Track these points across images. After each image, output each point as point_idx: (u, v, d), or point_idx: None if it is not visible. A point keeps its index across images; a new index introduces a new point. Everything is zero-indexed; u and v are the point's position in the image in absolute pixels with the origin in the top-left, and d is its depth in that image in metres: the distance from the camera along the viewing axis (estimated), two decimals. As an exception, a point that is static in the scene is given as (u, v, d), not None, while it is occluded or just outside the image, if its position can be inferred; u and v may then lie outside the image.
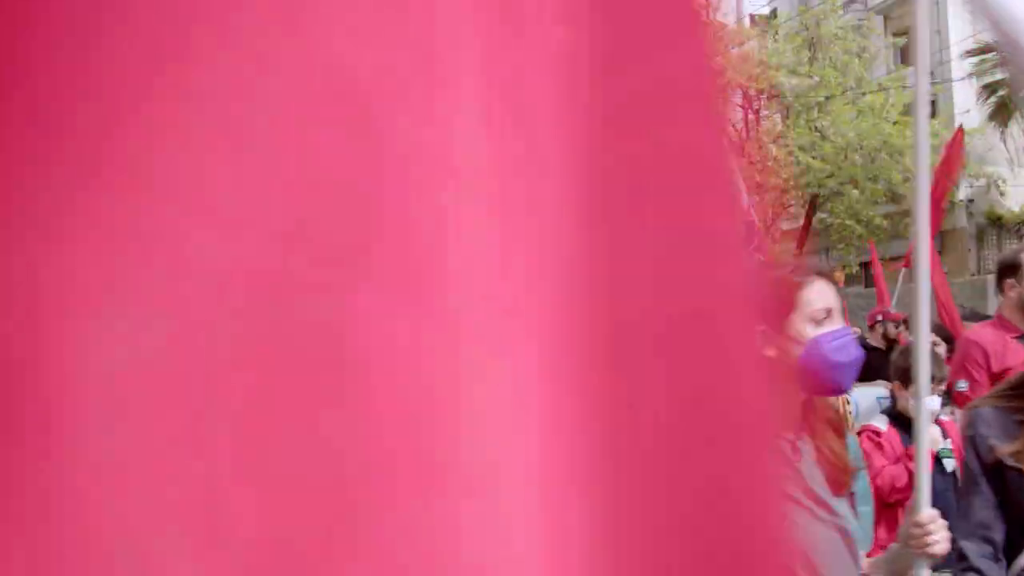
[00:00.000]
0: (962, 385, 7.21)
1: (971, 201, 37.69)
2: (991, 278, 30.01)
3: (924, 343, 3.62)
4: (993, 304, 29.38)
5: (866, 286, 33.27)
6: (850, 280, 35.42)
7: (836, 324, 3.77)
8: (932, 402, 8.17)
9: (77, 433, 0.63)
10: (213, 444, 0.65)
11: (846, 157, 32.47)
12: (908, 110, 34.15)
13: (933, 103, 37.97)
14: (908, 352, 6.26)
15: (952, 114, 37.04)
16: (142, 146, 0.66)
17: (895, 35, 38.77)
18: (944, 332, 9.82)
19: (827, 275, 6.59)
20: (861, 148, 32.52)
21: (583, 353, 0.82)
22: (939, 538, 3.60)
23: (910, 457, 6.43)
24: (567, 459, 0.79)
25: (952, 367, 7.63)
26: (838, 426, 3.90)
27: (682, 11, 0.92)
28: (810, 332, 3.78)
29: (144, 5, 0.67)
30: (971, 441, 4.03)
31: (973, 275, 34.98)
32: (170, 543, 0.63)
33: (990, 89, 35.12)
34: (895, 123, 32.92)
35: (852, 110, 33.01)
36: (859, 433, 6.88)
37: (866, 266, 34.80)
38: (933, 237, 10.09)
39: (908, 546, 3.66)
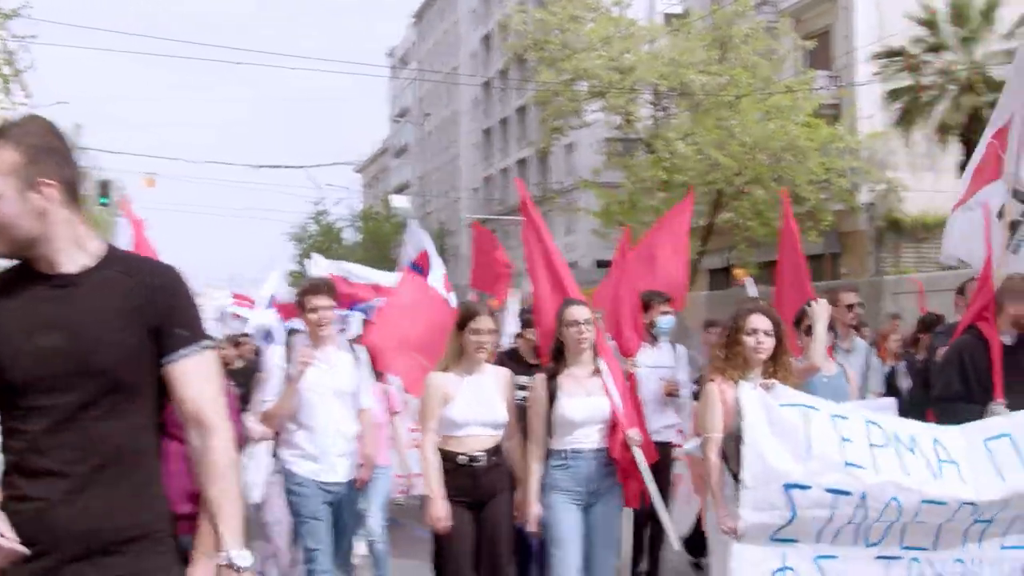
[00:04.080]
0: None
1: (872, 205, 38.34)
2: (888, 279, 30.45)
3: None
4: (889, 304, 29.94)
5: (766, 285, 33.71)
6: (753, 280, 35.84)
7: None
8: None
9: None
10: None
11: (753, 157, 32.81)
12: (815, 112, 34.65)
13: (837, 106, 38.56)
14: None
15: (856, 118, 37.63)
16: None
17: (804, 38, 39.28)
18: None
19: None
20: (767, 148, 32.86)
21: None
22: None
23: None
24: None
25: None
26: None
27: None
28: None
29: None
30: None
31: (872, 276, 35.56)
32: None
33: (894, 94, 35.69)
34: (802, 125, 33.33)
35: (760, 110, 33.36)
36: None
37: (765, 266, 35.26)
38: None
39: None
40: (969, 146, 34.87)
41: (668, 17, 48.48)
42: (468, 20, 78.33)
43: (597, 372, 7.58)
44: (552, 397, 7.43)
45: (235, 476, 3.56)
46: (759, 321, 6.90)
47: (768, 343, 6.87)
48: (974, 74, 34.89)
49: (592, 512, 7.45)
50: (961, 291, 10.11)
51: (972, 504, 6.42)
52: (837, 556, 6.40)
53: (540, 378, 7.57)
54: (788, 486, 6.20)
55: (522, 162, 67.37)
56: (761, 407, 6.34)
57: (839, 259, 39.83)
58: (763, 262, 35.27)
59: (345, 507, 7.98)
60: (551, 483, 7.41)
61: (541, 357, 8.37)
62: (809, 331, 7.99)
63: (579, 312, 7.53)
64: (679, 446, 9.45)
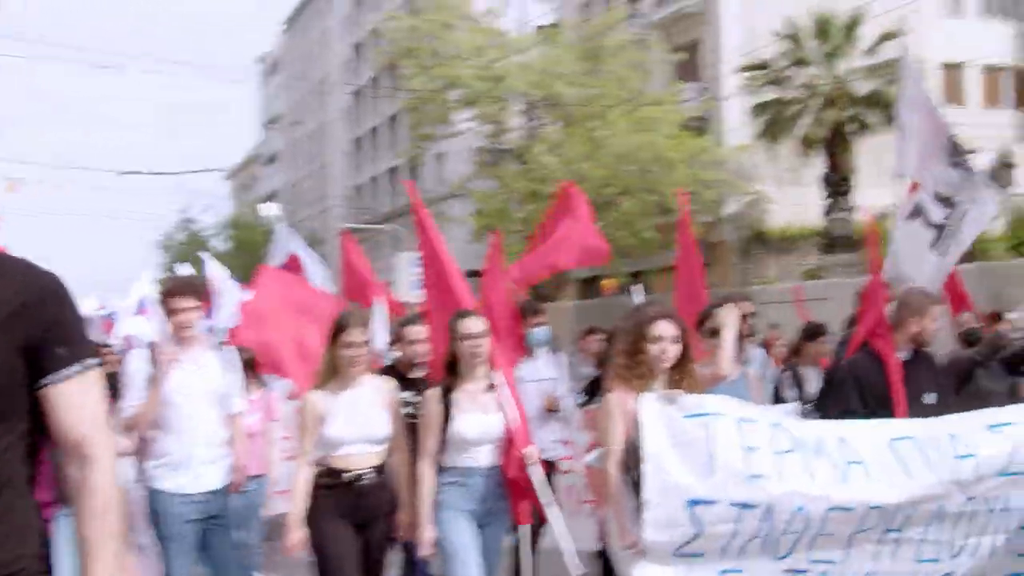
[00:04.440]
0: None
1: (738, 216, 38.93)
2: (753, 290, 30.99)
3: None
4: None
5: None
6: (621, 289, 36.13)
7: None
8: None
9: None
10: None
11: (621, 168, 33.09)
12: (683, 124, 35.10)
13: (704, 119, 39.12)
14: None
15: (723, 130, 38.21)
16: None
17: (673, 51, 39.78)
18: None
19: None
20: (636, 160, 33.16)
21: None
22: None
23: None
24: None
25: None
26: None
27: None
28: None
29: None
30: None
31: (737, 287, 36.09)
32: None
33: (759, 108, 36.29)
34: (670, 137, 33.71)
35: (629, 122, 33.67)
36: None
37: (636, 275, 35.60)
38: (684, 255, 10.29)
39: None
40: (832, 159, 35.69)
41: (540, 28, 48.76)
42: (340, 28, 77.88)
43: (492, 387, 7.25)
44: (446, 413, 7.07)
45: (115, 517, 3.16)
46: (665, 328, 6.46)
47: (673, 351, 6.45)
48: (836, 89, 35.65)
49: (484, 533, 7.16)
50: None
51: (879, 508, 6.23)
52: (743, 570, 6.17)
53: (434, 393, 7.18)
54: (692, 502, 5.98)
55: (393, 171, 67.16)
56: (662, 420, 6.09)
57: (705, 269, 40.27)
58: (632, 272, 35.61)
59: (216, 519, 7.49)
60: (444, 502, 7.06)
61: (432, 370, 7.96)
62: (712, 334, 7.60)
63: (473, 324, 7.19)
64: (568, 459, 9.32)
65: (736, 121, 37.95)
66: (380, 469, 7.06)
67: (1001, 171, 37.98)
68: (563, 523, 7.60)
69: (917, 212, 9.36)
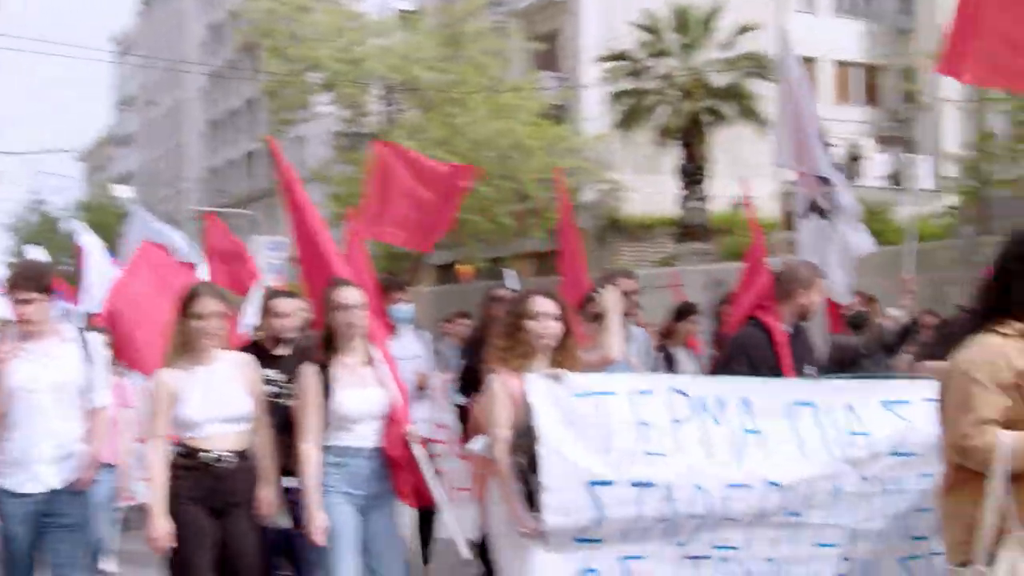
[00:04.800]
0: None
1: (595, 204, 39.27)
2: (609, 278, 31.16)
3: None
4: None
5: (491, 279, 34.09)
6: (479, 275, 36.21)
7: None
8: None
9: None
10: None
11: (480, 154, 33.10)
12: (542, 112, 35.25)
13: (563, 107, 39.36)
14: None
15: (581, 120, 38.48)
16: None
17: (534, 39, 39.93)
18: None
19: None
20: (494, 146, 33.21)
21: None
22: None
23: None
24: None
25: None
26: None
27: None
28: None
29: None
30: None
31: (595, 273, 36.39)
32: None
33: (617, 96, 36.62)
34: (529, 124, 33.83)
35: (488, 108, 33.70)
36: None
37: (494, 261, 35.71)
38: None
39: None
40: (688, 149, 36.21)
41: (401, 12, 48.53)
42: (196, 8, 76.54)
43: (370, 361, 6.79)
44: (326, 389, 6.56)
45: None
46: (544, 304, 6.23)
47: (554, 328, 6.21)
48: (693, 80, 36.15)
49: (372, 518, 6.65)
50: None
51: (778, 486, 6.11)
52: (644, 556, 5.99)
53: (311, 368, 6.64)
54: (592, 483, 5.76)
55: (251, 155, 66.33)
56: (552, 400, 5.87)
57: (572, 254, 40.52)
58: (490, 258, 35.71)
59: (56, 519, 6.78)
60: (326, 484, 6.55)
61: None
62: (595, 318, 7.26)
63: (349, 295, 6.69)
64: (440, 442, 9.04)
65: (594, 110, 38.22)
66: (241, 451, 6.57)
67: (850, 165, 38.98)
68: (449, 506, 7.17)
69: (812, 207, 9.37)
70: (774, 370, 7.12)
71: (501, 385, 6.10)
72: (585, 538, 5.84)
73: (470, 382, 8.88)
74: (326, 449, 6.59)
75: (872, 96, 47.71)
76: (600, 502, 5.78)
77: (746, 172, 40.80)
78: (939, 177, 37.03)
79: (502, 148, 33.22)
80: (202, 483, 6.44)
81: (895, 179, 43.77)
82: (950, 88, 29.32)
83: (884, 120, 47.27)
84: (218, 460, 6.49)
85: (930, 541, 6.45)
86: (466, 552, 6.90)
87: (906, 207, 41.18)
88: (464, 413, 8.96)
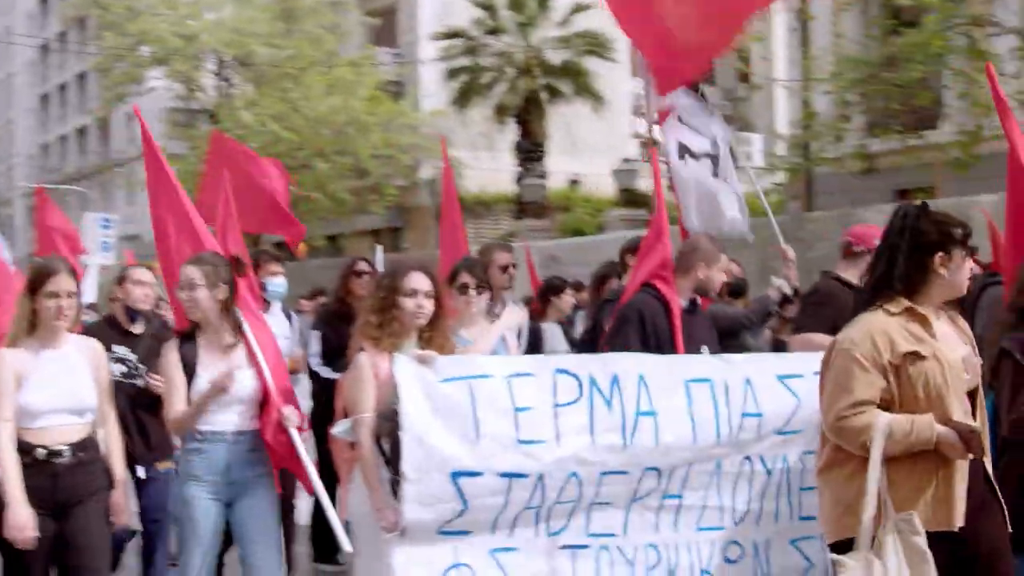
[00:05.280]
0: None
1: (433, 181, 39.25)
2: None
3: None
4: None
5: (330, 256, 33.87)
6: (316, 252, 35.92)
7: None
8: None
9: None
10: None
11: (316, 131, 32.80)
12: (379, 88, 35.06)
13: (400, 83, 39.21)
14: None
15: (419, 96, 38.40)
16: None
17: (371, 15, 39.65)
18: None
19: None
20: (331, 122, 32.94)
21: None
22: None
23: None
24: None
25: None
26: None
27: None
28: None
29: None
30: None
31: (434, 250, 36.44)
32: None
33: (454, 73, 36.63)
34: (365, 100, 33.62)
35: (324, 84, 33.39)
36: None
37: (332, 239, 35.46)
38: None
39: None
40: (525, 127, 36.41)
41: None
42: (23, -23, 74.32)
43: (243, 339, 6.34)
44: (189, 369, 6.16)
45: None
46: (419, 281, 5.92)
47: (428, 306, 5.92)
48: (530, 58, 36.33)
49: (238, 507, 6.24)
50: (633, 250, 9.36)
51: (656, 470, 5.90)
52: (516, 548, 5.71)
53: (171, 345, 6.27)
54: (456, 474, 5.47)
55: (82, 130, 64.79)
56: (420, 384, 5.52)
57: (401, 233, 40.53)
58: (329, 235, 35.42)
59: None
60: (185, 471, 6.19)
61: (178, 319, 6.84)
62: (463, 289, 6.97)
63: (185, 271, 6.26)
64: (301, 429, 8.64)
65: (432, 87, 38.18)
66: (83, 445, 5.94)
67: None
68: (325, 494, 6.51)
69: (684, 150, 9.03)
70: (666, 342, 6.87)
71: (368, 364, 5.77)
72: (451, 530, 5.55)
73: (330, 358, 8.72)
74: (189, 434, 6.21)
75: (707, 75, 48.49)
76: (464, 494, 5.49)
77: (582, 150, 41.47)
78: (769, 155, 37.93)
79: (338, 124, 32.95)
80: (37, 483, 5.78)
81: (731, 157, 44.56)
82: (780, 68, 29.96)
83: (719, 99, 48.13)
84: (56, 456, 5.85)
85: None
86: (347, 544, 6.28)
87: (742, 184, 42.03)
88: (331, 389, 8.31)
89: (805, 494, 6.27)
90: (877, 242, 7.29)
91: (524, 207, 36.07)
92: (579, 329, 9.89)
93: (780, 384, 6.27)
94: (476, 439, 5.53)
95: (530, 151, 36.38)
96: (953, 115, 24.12)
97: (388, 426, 5.59)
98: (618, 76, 40.68)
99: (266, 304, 8.60)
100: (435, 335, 6.00)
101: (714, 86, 48.84)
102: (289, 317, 9.39)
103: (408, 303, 5.89)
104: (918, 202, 4.99)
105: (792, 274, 8.51)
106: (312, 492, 6.43)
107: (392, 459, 5.55)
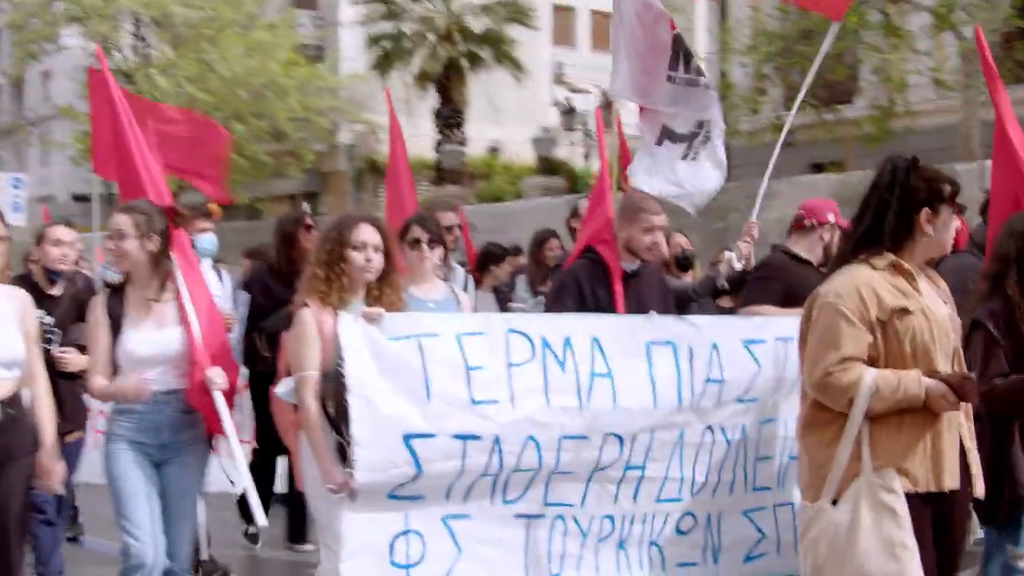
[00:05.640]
0: None
1: (352, 146, 39.10)
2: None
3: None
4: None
5: (248, 220, 33.63)
6: (235, 214, 35.65)
7: None
8: None
9: None
10: None
11: (233, 93, 32.49)
12: (297, 51, 34.79)
13: (320, 47, 38.96)
14: None
15: (338, 59, 38.17)
16: None
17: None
18: None
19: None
20: (248, 85, 32.65)
21: None
22: None
23: None
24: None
25: None
26: None
27: None
28: None
29: None
30: None
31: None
32: None
33: (375, 38, 36.45)
34: (283, 63, 33.36)
35: (242, 46, 33.06)
36: None
37: (255, 201, 35.16)
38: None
39: None
40: (445, 93, 36.36)
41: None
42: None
43: (176, 295, 5.96)
44: (116, 325, 5.80)
45: None
46: (368, 234, 5.60)
47: (378, 260, 5.59)
48: (451, 24, 36.26)
49: (166, 472, 5.92)
50: (575, 213, 9.05)
51: (618, 438, 5.70)
52: (470, 515, 5.46)
53: (98, 301, 5.92)
54: (408, 437, 5.20)
55: (-7, 88, 63.52)
56: (366, 343, 5.25)
57: (319, 198, 40.32)
58: (252, 198, 35.11)
59: None
60: (112, 432, 5.86)
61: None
62: (415, 244, 6.53)
63: (116, 220, 5.88)
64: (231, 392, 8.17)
65: (351, 51, 37.96)
66: (11, 401, 5.51)
67: (605, 112, 39.73)
68: (246, 464, 6.29)
69: (665, 134, 8.87)
70: (606, 309, 6.53)
71: (312, 321, 5.47)
72: (403, 495, 5.29)
73: (255, 323, 8.49)
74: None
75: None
76: (418, 457, 5.23)
77: (502, 118, 41.49)
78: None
79: (255, 87, 32.66)
80: None
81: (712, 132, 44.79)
82: (699, 40, 30.18)
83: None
84: None
85: (772, 492, 6.30)
86: (262, 519, 6.16)
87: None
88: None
89: (760, 464, 6.23)
90: (830, 216, 7.35)
91: (443, 174, 36.06)
92: (521, 295, 9.67)
93: (744, 350, 6.13)
94: (427, 399, 5.29)
95: (450, 118, 36.37)
96: (867, 90, 24.50)
97: (333, 387, 5.33)
98: (539, 44, 40.77)
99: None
100: (384, 291, 5.67)
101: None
102: (220, 275, 9.03)
103: (356, 257, 5.56)
104: (908, 156, 4.76)
105: (746, 247, 8.16)
106: (232, 458, 6.13)
107: (337, 422, 5.33)
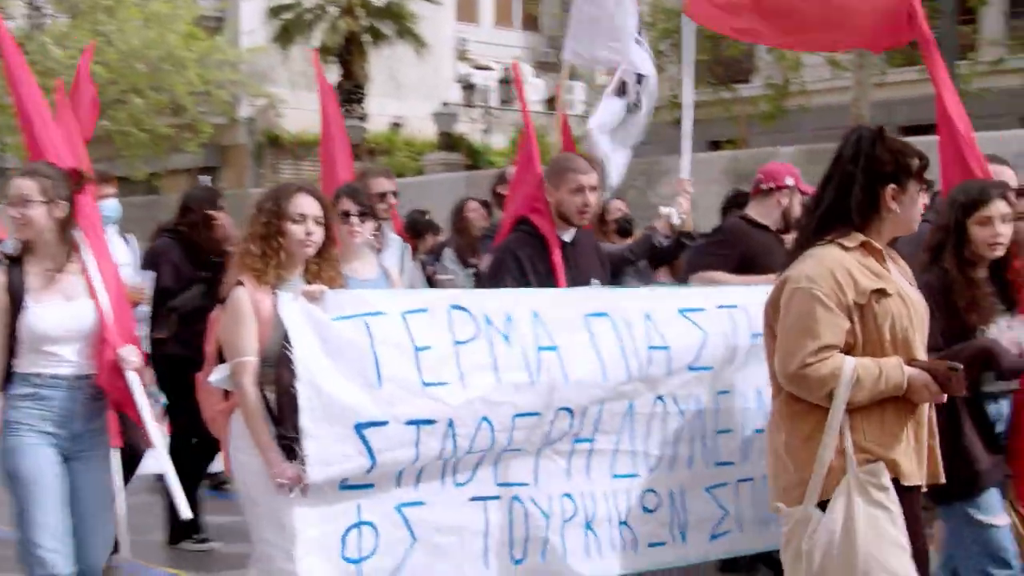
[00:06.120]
0: None
1: (252, 120, 38.74)
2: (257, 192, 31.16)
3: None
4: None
5: (147, 194, 33.17)
6: (134, 189, 35.19)
7: None
8: None
9: None
10: None
11: (130, 65, 31.99)
12: (195, 22, 34.35)
13: (220, 19, 38.53)
14: None
15: (238, 31, 37.78)
16: None
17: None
18: None
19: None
20: (145, 57, 32.17)
21: None
22: None
23: None
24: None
25: None
26: None
27: None
28: None
29: None
30: None
31: (252, 189, 36.04)
32: None
33: (276, 11, 36.13)
34: (182, 35, 32.94)
35: (139, 17, 32.57)
36: None
37: (152, 176, 34.69)
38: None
39: None
40: (346, 68, 36.14)
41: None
42: None
43: (81, 268, 5.52)
44: (16, 300, 5.32)
45: None
46: (307, 204, 5.16)
47: (318, 233, 5.17)
48: (353, -2, 36.09)
49: (76, 467, 5.45)
50: (504, 181, 8.64)
51: (569, 411, 5.47)
52: (424, 502, 5.17)
53: None
54: (360, 426, 4.84)
55: None
56: (310, 324, 4.86)
57: (218, 172, 39.90)
58: (152, 173, 34.59)
59: None
60: (15, 420, 5.34)
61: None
62: (344, 217, 6.16)
63: (19, 185, 5.40)
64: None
65: (251, 23, 37.58)
66: None
67: (505, 88, 39.90)
68: (166, 451, 5.85)
69: (622, 90, 8.78)
70: (546, 282, 6.25)
71: (248, 301, 5.03)
72: (353, 484, 4.97)
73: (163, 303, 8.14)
74: (18, 377, 5.40)
75: (531, 21, 48.73)
76: (371, 448, 4.91)
77: (404, 93, 41.33)
78: (589, 104, 38.46)
79: (153, 59, 32.20)
80: None
81: (552, 104, 45.03)
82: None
83: (543, 46, 48.45)
84: None
85: (735, 467, 6.13)
86: (186, 511, 5.66)
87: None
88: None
89: (721, 437, 6.05)
90: (789, 180, 7.18)
91: (344, 148, 35.86)
92: (450, 267, 9.47)
93: (682, 317, 5.88)
94: (378, 384, 4.94)
95: (351, 93, 36.16)
96: (764, 69, 24.86)
97: (272, 373, 4.94)
98: (441, 20, 40.67)
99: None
100: (324, 267, 5.27)
101: (538, 32, 49.30)
102: (127, 243, 8.51)
103: (295, 230, 5.13)
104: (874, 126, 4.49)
105: (686, 202, 7.86)
106: (151, 445, 5.72)
107: (279, 412, 4.91)
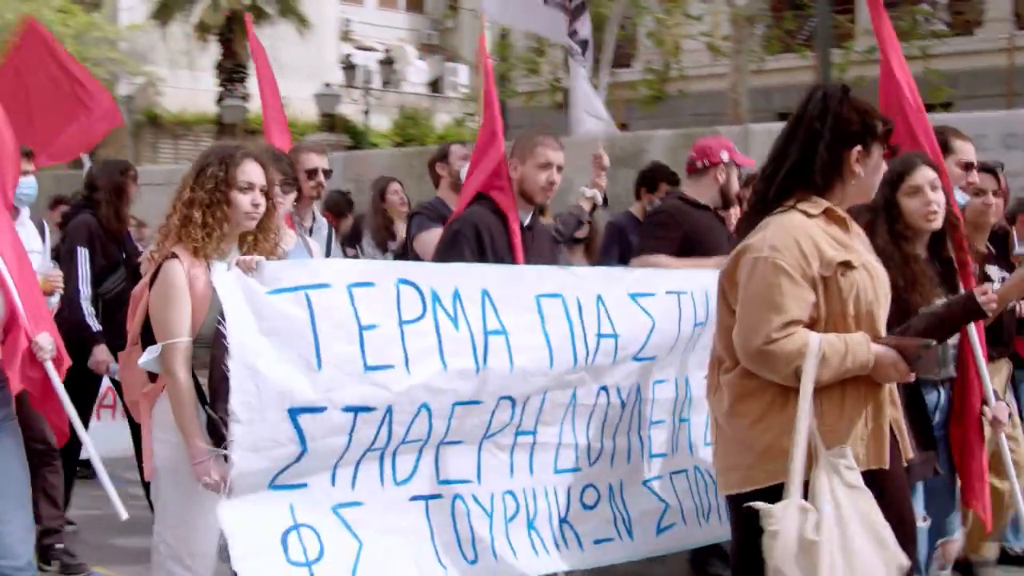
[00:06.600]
0: None
1: (131, 98, 38.17)
2: (148, 171, 30.63)
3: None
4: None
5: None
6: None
7: None
8: None
9: None
10: None
11: (4, 40, 31.33)
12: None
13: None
14: None
15: (117, 8, 37.19)
16: None
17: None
18: None
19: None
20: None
21: None
22: None
23: None
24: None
25: None
26: None
27: None
28: None
29: None
30: None
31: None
32: None
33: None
34: (58, 10, 32.37)
35: (15, -7, 31.96)
36: None
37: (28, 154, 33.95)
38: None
39: None
40: (227, 46, 35.76)
41: None
42: None
43: None
44: None
45: None
46: (256, 173, 4.70)
47: (264, 204, 4.73)
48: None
49: None
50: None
51: (511, 400, 5.13)
52: (361, 502, 4.71)
53: None
54: (294, 411, 4.35)
55: None
56: (244, 299, 4.32)
57: (96, 151, 39.22)
58: (26, 150, 33.93)
59: None
60: None
61: None
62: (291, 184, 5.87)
63: None
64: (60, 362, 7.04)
65: (130, 0, 37.04)
66: None
67: (389, 71, 39.82)
68: (94, 446, 5.48)
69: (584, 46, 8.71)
70: (504, 258, 5.97)
71: (182, 277, 4.56)
72: (285, 484, 4.47)
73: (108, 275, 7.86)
74: None
75: (416, 3, 48.70)
76: (304, 434, 4.41)
77: (286, 73, 41.03)
78: (474, 87, 38.58)
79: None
80: None
81: (435, 86, 45.11)
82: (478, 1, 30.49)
83: (427, 28, 48.44)
84: None
85: (668, 458, 5.99)
86: (122, 512, 5.29)
87: (443, 114, 42.62)
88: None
89: (655, 428, 5.89)
90: (724, 155, 6.84)
91: (225, 128, 35.51)
92: (368, 251, 9.13)
93: (633, 303, 5.61)
94: (318, 366, 4.42)
95: (233, 72, 35.81)
96: (644, 54, 25.11)
97: (206, 355, 4.48)
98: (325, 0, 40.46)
99: (14, 211, 6.81)
100: (261, 237, 4.82)
101: (423, 14, 49.27)
102: (42, 229, 7.82)
103: (242, 200, 4.67)
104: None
105: (601, 182, 7.46)
106: (67, 437, 5.39)
107: (212, 395, 4.44)
